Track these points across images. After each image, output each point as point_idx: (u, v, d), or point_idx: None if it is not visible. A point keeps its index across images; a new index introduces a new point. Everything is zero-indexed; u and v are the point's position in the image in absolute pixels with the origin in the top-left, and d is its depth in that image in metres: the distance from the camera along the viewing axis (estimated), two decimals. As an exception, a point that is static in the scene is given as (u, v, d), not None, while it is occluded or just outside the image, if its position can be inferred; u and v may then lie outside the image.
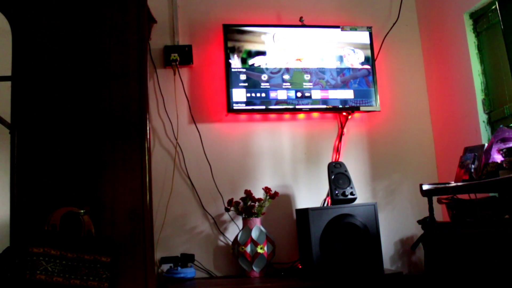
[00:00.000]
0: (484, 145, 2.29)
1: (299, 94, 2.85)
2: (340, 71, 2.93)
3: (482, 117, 2.63)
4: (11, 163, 2.08)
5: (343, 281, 2.38)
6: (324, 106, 2.88)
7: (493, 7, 2.51)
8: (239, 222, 2.71)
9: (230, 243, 2.72)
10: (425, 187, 2.35)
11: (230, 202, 2.66)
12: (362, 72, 2.95)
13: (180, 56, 2.81)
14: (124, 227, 2.07)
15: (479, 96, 2.64)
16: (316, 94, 2.87)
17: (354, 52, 2.97)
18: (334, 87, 2.90)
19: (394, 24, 3.12)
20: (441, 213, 2.83)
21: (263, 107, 2.81)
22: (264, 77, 2.84)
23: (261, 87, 2.82)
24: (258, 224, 2.61)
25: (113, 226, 2.06)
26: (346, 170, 2.65)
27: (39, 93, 2.14)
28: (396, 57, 3.12)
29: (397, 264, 2.90)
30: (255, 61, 2.84)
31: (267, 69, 2.85)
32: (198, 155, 2.81)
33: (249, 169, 2.86)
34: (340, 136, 2.98)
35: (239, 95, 2.78)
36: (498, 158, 2.15)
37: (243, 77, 2.81)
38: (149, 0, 2.38)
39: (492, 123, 2.60)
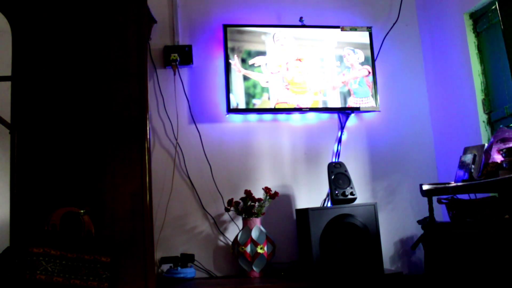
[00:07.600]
0: (484, 145, 2.29)
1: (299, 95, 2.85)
2: (340, 71, 2.93)
3: (482, 117, 2.63)
4: (11, 163, 2.08)
5: (343, 281, 2.38)
6: (324, 106, 2.88)
7: (493, 7, 2.51)
8: (239, 222, 2.71)
9: (230, 243, 2.72)
10: (425, 187, 2.34)
11: (230, 202, 2.66)
12: (362, 72, 2.95)
13: (180, 56, 2.81)
14: (124, 228, 2.07)
15: (479, 96, 2.64)
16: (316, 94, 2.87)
17: (354, 52, 2.96)
18: (334, 87, 2.90)
19: (394, 24, 3.12)
20: (441, 213, 2.83)
21: (263, 107, 2.81)
22: (264, 77, 2.84)
23: (261, 87, 2.82)
24: (258, 224, 2.61)
25: (113, 226, 2.06)
26: (346, 170, 2.65)
27: (39, 93, 2.14)
28: (396, 57, 3.12)
29: (397, 264, 2.90)
30: (255, 61, 2.84)
31: (267, 69, 2.85)
32: (198, 155, 2.81)
33: (249, 169, 2.86)
34: (340, 136, 2.98)
35: (239, 95, 2.78)
36: (498, 158, 2.14)
37: (243, 77, 2.81)
38: (149, 0, 2.38)
39: (492, 123, 2.60)
